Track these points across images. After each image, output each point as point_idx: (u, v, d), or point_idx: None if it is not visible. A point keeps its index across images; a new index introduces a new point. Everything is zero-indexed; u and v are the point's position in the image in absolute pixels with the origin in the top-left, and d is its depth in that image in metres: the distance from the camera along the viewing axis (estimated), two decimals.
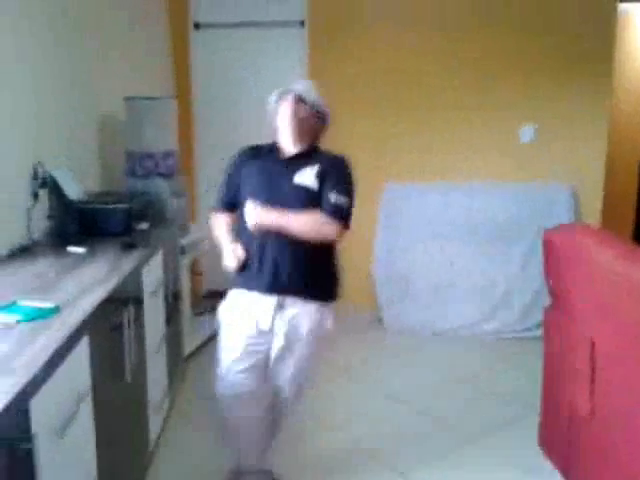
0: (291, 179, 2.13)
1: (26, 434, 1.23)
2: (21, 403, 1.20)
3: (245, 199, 2.17)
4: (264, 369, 2.23)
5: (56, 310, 1.62)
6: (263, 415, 2.30)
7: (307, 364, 2.26)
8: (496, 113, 4.13)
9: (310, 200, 2.11)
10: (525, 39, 4.02)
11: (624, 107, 4.73)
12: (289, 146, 2.19)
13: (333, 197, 2.10)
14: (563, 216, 3.99)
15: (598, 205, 4.13)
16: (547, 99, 4.07)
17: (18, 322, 1.54)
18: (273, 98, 2.22)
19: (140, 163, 3.27)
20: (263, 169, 2.20)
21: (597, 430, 2.17)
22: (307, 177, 2.12)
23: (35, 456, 1.26)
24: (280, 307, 2.13)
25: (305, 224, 2.09)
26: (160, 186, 3.25)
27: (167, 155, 3.34)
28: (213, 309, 4.29)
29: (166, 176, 3.32)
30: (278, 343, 2.17)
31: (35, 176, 2.48)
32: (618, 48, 4.08)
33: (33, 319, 1.56)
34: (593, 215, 4.09)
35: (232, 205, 2.28)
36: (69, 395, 1.50)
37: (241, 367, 2.19)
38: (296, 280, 2.13)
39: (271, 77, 4.37)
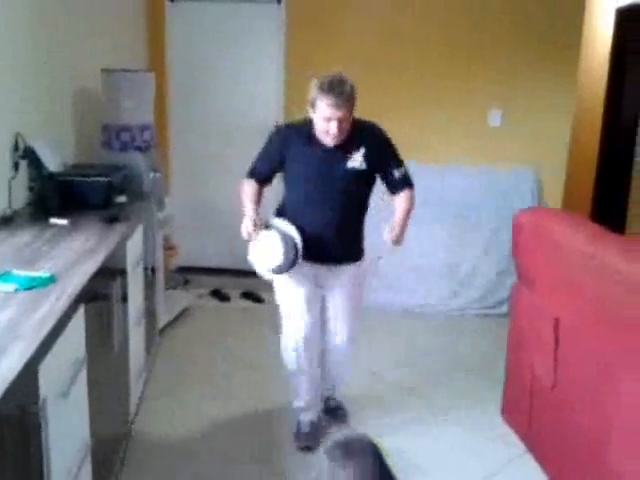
0: (343, 165, 2.37)
1: (35, 397, 1.29)
2: (31, 368, 1.25)
3: (294, 180, 2.45)
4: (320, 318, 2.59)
5: (52, 279, 1.66)
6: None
7: (357, 303, 2.67)
8: (466, 97, 4.24)
9: (360, 178, 2.42)
10: (495, 25, 4.14)
11: (586, 93, 4.89)
12: (330, 142, 2.33)
13: (396, 173, 2.45)
14: (526, 199, 4.15)
15: (559, 189, 4.31)
16: (515, 85, 4.20)
17: (17, 291, 1.57)
18: (314, 90, 2.26)
19: (117, 136, 3.26)
20: (313, 156, 2.39)
21: (558, 400, 2.32)
22: (357, 161, 2.38)
23: (43, 417, 1.32)
24: (332, 270, 2.50)
25: (410, 212, 2.46)
26: (137, 159, 3.25)
27: (144, 128, 3.34)
28: (185, 284, 4.36)
29: (143, 150, 3.32)
30: (333, 295, 2.57)
31: (16, 147, 2.47)
32: (583, 34, 4.22)
33: (31, 288, 1.59)
34: (554, 198, 4.26)
35: (266, 179, 2.52)
36: (69, 362, 1.55)
37: (307, 317, 2.52)
38: (346, 250, 2.52)
39: (247, 51, 4.38)
